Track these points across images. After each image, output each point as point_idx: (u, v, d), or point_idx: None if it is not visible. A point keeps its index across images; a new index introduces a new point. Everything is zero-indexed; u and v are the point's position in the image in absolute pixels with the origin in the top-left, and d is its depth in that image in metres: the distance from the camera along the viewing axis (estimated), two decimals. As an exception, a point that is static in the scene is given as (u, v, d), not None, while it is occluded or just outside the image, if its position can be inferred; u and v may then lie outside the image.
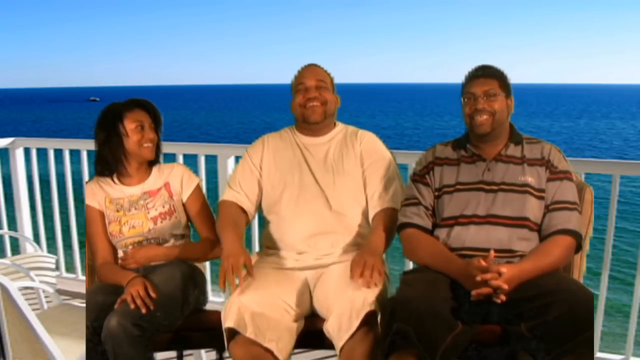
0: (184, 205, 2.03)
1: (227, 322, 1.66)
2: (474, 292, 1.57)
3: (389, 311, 1.55)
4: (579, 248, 1.72)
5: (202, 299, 1.99)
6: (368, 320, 1.59)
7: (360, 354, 1.57)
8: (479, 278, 1.56)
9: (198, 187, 2.05)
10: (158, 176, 2.03)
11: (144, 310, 1.70)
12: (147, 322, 1.70)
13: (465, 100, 1.79)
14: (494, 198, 1.73)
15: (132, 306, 1.70)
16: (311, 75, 1.94)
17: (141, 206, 1.98)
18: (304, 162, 1.94)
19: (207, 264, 3.03)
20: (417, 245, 1.77)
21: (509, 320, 1.57)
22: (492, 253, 1.59)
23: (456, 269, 1.65)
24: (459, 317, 1.57)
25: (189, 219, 2.06)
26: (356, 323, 1.58)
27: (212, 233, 1.99)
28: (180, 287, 1.84)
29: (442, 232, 1.76)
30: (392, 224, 1.83)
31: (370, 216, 1.88)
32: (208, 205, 2.06)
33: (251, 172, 1.98)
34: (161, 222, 1.97)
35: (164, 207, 1.99)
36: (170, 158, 3.07)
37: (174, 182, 2.02)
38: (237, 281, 1.69)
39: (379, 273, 1.64)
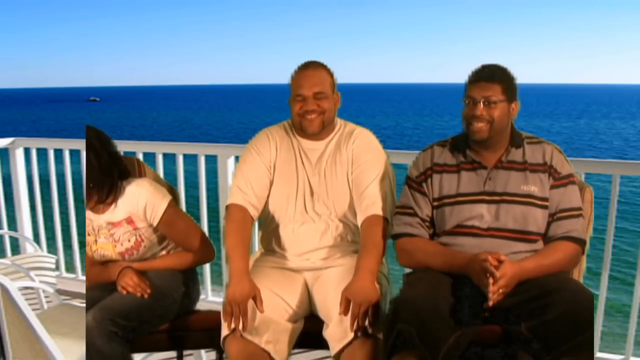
0: (156, 227, 1.89)
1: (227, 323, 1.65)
2: (490, 304, 1.56)
3: (392, 312, 1.54)
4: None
5: (193, 299, 1.98)
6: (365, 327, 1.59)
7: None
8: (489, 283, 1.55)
9: (169, 207, 1.87)
10: (120, 207, 1.87)
11: (146, 296, 1.75)
12: (125, 319, 1.69)
13: (466, 102, 1.72)
14: (497, 210, 1.70)
15: (139, 295, 1.75)
16: (309, 85, 1.79)
17: (108, 235, 1.88)
18: (302, 168, 1.87)
19: (208, 264, 3.03)
20: (414, 250, 1.74)
21: (509, 320, 1.57)
22: (504, 256, 1.58)
23: (460, 263, 1.64)
24: (461, 317, 1.57)
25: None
26: (351, 334, 1.58)
27: (196, 243, 1.91)
28: (170, 287, 1.84)
29: (442, 243, 1.75)
30: (382, 235, 1.73)
31: (359, 221, 1.78)
32: (186, 219, 1.94)
33: (262, 171, 1.86)
34: (129, 257, 1.89)
35: (129, 240, 1.88)
36: (171, 158, 3.08)
37: (138, 212, 1.86)
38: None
39: (369, 323, 1.58)
